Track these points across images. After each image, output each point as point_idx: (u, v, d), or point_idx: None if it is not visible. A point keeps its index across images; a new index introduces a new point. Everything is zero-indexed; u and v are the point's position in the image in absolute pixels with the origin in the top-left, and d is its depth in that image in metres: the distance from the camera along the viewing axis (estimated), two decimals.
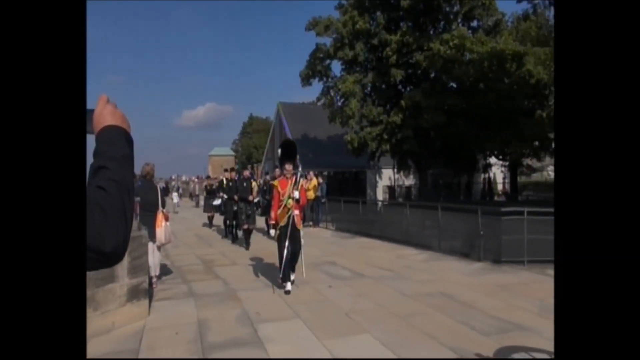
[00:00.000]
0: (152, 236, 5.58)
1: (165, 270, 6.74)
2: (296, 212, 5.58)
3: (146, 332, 4.16)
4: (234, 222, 9.96)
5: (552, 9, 20.17)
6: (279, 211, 5.63)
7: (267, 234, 10.59)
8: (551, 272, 6.73)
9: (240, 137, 65.75)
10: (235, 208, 9.55)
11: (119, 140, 0.84)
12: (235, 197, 9.41)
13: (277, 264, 7.30)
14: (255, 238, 9.84)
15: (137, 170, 6.64)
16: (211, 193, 13.37)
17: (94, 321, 3.99)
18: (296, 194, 5.46)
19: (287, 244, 5.49)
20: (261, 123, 58.53)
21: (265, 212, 11.02)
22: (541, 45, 17.28)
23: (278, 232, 5.65)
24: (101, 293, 4.24)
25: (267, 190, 11.09)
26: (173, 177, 27.28)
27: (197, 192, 23.94)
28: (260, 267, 7.16)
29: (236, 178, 10.04)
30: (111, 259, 0.73)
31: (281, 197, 5.60)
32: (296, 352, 3.63)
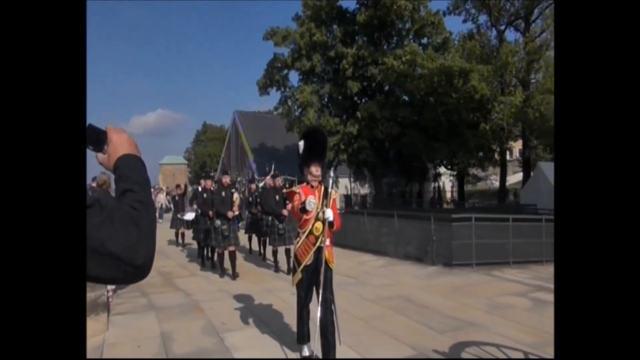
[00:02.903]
0: None
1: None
2: (327, 241, 3.47)
3: (106, 347, 4.04)
4: (206, 244, 8.17)
5: (494, 30, 21.86)
6: (300, 241, 3.58)
7: (249, 253, 9.53)
8: (496, 272, 7.30)
9: (193, 145, 64.13)
10: (207, 225, 7.60)
11: (137, 167, 0.96)
12: (210, 213, 7.24)
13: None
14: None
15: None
16: (180, 205, 11.56)
17: None
18: (329, 214, 3.41)
19: (314, 294, 3.55)
20: (216, 131, 57.51)
21: (251, 230, 9.32)
22: (484, 63, 18.64)
23: (299, 275, 3.54)
24: None
25: (254, 203, 9.05)
26: None
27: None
28: (221, 277, 7.10)
29: (212, 188, 7.71)
30: (141, 272, 0.80)
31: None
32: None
